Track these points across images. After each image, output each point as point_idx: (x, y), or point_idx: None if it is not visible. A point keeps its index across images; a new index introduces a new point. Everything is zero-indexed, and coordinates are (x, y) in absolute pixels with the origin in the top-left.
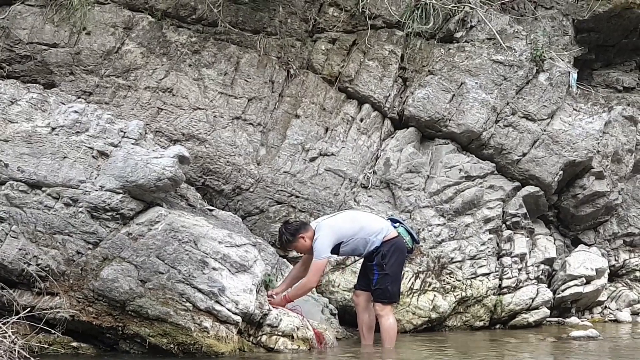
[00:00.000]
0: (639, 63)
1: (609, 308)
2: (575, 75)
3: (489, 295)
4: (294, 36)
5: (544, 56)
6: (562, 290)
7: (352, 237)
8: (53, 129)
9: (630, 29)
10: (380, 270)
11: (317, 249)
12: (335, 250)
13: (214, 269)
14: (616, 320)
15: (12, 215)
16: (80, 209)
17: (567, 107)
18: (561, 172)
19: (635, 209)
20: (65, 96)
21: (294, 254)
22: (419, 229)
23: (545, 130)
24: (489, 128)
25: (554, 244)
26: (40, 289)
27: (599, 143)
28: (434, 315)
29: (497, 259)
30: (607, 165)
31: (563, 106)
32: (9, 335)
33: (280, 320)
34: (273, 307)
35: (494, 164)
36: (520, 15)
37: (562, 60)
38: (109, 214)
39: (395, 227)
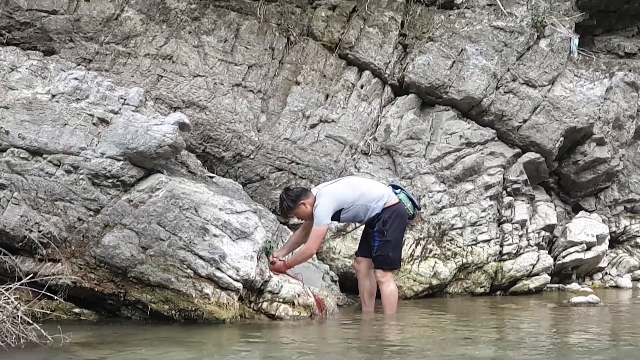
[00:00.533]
0: None
1: (610, 274)
2: (576, 41)
3: (490, 262)
4: (294, 3)
5: (545, 22)
6: (563, 257)
7: (353, 203)
8: (53, 95)
9: None
10: (381, 236)
11: (318, 215)
12: (336, 217)
13: (214, 235)
14: (617, 286)
15: (14, 182)
16: (81, 176)
17: (568, 73)
18: (562, 139)
19: (637, 175)
20: (65, 63)
21: (294, 220)
22: (419, 196)
23: (546, 97)
24: (490, 94)
25: (555, 210)
26: (42, 255)
27: (600, 109)
28: (434, 281)
29: (498, 226)
30: (608, 132)
31: (564, 72)
32: (12, 301)
33: (281, 287)
34: (274, 274)
35: (494, 131)
36: None
37: (563, 26)
38: (110, 180)
39: (396, 193)
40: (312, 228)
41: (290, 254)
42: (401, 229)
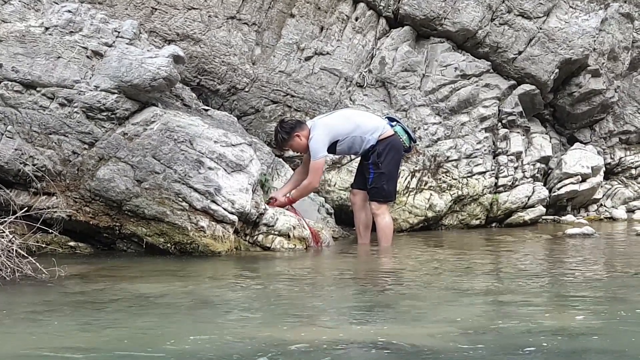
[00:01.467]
0: None
1: (605, 206)
2: None
3: (485, 194)
4: None
5: None
6: (558, 189)
7: (348, 135)
8: (47, 28)
9: None
10: (376, 169)
11: (313, 148)
12: (332, 149)
13: (209, 168)
14: (612, 218)
15: (7, 115)
16: (76, 109)
17: (563, 4)
18: (557, 70)
19: (631, 106)
20: None
21: (290, 153)
22: (414, 128)
23: (541, 29)
24: (485, 26)
25: (550, 142)
26: (36, 189)
27: (595, 41)
28: (430, 214)
29: (493, 158)
30: (603, 63)
31: (559, 4)
32: (7, 235)
33: (277, 219)
34: (270, 207)
35: (489, 63)
36: None
37: None
38: (104, 114)
39: (392, 126)
40: (310, 162)
41: (292, 190)
42: (396, 161)
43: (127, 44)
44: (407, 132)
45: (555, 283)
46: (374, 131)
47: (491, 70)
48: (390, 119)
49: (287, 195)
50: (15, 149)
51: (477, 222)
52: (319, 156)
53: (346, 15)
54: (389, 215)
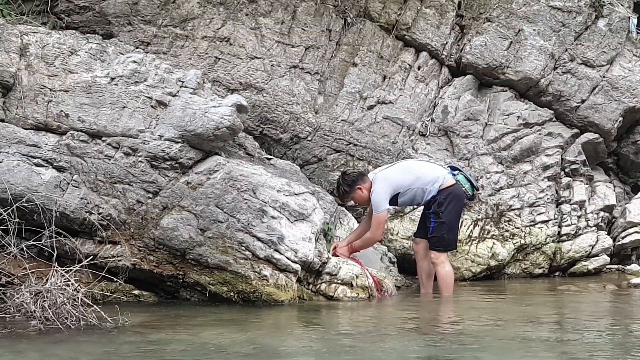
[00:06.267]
0: None
1: None
2: (635, 21)
3: (548, 243)
4: None
5: (603, 1)
6: (622, 238)
7: (409, 187)
8: (112, 79)
9: None
10: (437, 218)
11: (375, 201)
12: (394, 201)
13: (272, 217)
14: None
15: (74, 164)
16: (140, 159)
17: (626, 52)
18: (621, 119)
19: None
20: (124, 46)
21: (352, 202)
22: (477, 177)
23: (604, 77)
24: (547, 75)
25: (614, 190)
26: (101, 237)
27: None
28: (492, 262)
29: (556, 206)
30: None
31: (622, 52)
32: (72, 283)
33: (340, 268)
34: (333, 256)
35: (552, 111)
36: None
37: (622, 5)
38: (168, 163)
39: (454, 174)
40: (373, 215)
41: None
42: (457, 210)
43: (190, 93)
44: (469, 181)
45: (620, 335)
46: (435, 181)
47: (554, 119)
48: (453, 168)
49: (350, 245)
50: (81, 198)
51: (540, 271)
52: (381, 209)
53: (409, 64)
54: (449, 264)
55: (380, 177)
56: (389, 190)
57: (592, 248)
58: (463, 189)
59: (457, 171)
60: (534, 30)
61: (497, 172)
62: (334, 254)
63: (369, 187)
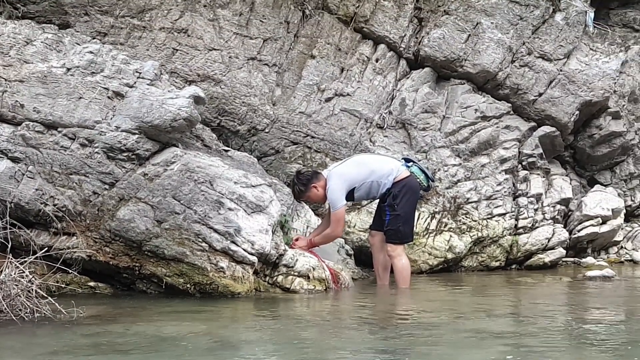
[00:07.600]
0: None
1: (625, 248)
2: (592, 15)
3: (505, 236)
4: None
5: None
6: (578, 231)
7: (364, 181)
8: (68, 69)
9: None
10: (392, 210)
11: (332, 199)
12: (350, 196)
13: (229, 209)
14: (632, 261)
15: (29, 155)
16: (96, 150)
17: (583, 46)
18: (577, 112)
19: None
20: (80, 37)
21: (309, 201)
22: (434, 169)
23: (561, 70)
24: (505, 68)
25: (570, 184)
26: (57, 229)
27: (615, 83)
28: (449, 255)
29: (513, 199)
30: (623, 105)
31: (579, 46)
32: (27, 275)
33: (296, 260)
34: (289, 248)
35: (509, 104)
36: None
37: None
38: (125, 154)
39: (408, 166)
40: (331, 212)
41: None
42: (412, 202)
43: (148, 84)
44: (424, 172)
45: (575, 326)
46: (389, 174)
47: (511, 112)
48: (407, 160)
49: (310, 240)
50: (36, 189)
51: (497, 263)
52: (339, 206)
53: (367, 56)
54: (405, 256)
55: (334, 173)
56: (344, 186)
57: (549, 241)
58: (418, 180)
59: (411, 163)
60: (492, 23)
61: (454, 165)
62: (293, 247)
63: (324, 185)
